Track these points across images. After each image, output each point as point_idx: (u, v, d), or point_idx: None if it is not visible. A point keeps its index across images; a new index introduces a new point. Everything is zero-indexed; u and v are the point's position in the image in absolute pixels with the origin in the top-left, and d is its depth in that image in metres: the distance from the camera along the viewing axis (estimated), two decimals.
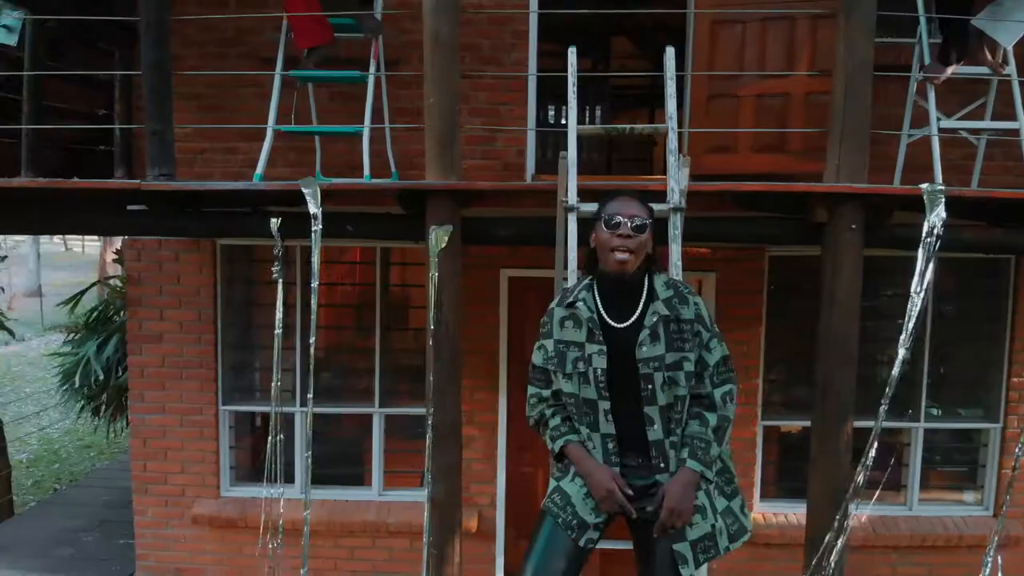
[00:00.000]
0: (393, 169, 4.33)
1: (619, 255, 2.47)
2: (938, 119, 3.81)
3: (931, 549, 5.11)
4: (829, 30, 4.28)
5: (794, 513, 5.22)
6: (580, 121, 3.56)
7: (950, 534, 5.09)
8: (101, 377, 7.49)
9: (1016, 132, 3.76)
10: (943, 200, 3.09)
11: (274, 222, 3.45)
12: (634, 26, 7.75)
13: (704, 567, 2.61)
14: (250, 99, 5.04)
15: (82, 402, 7.90)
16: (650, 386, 2.49)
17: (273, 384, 3.54)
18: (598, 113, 8.51)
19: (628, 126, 3.15)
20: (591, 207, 2.97)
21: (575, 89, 3.16)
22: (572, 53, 3.23)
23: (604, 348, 2.52)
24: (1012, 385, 5.12)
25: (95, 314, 8.05)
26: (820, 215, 3.27)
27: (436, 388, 3.34)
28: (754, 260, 5.16)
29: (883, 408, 3.13)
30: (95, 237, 19.90)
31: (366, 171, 3.72)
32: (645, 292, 2.56)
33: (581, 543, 2.52)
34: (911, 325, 3.06)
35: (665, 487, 2.49)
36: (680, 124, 4.81)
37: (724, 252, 5.11)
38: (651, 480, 2.55)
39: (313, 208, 3.23)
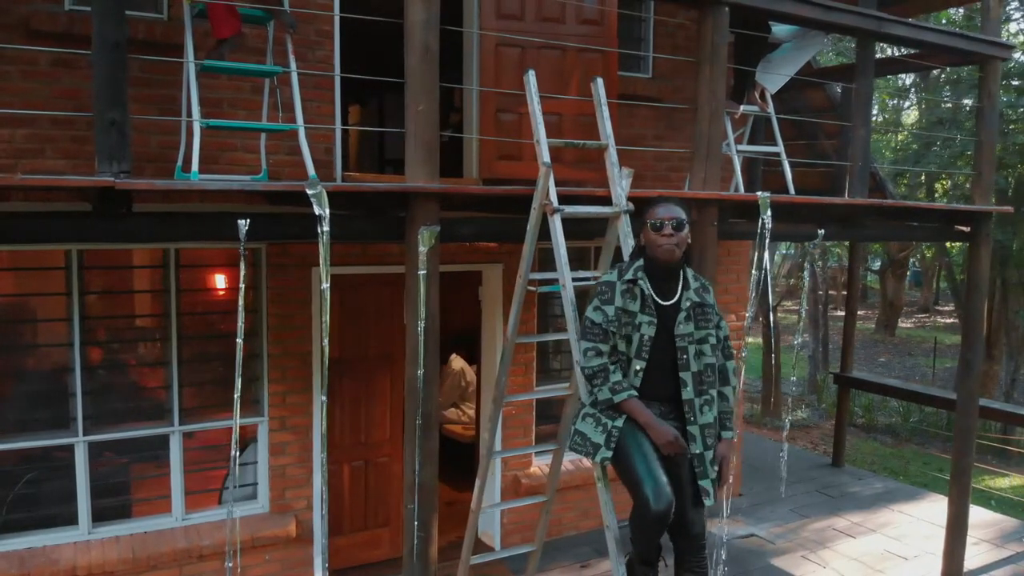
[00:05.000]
0: (264, 167, 4.17)
1: (666, 247, 3.17)
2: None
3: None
4: (589, 62, 5.37)
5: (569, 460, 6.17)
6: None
7: None
8: None
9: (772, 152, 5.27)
10: (769, 204, 4.31)
11: (242, 223, 3.25)
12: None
13: None
14: (15, 78, 4.31)
15: None
16: (684, 356, 3.23)
17: (235, 395, 3.29)
18: None
19: (581, 142, 3.75)
20: (570, 209, 3.55)
21: (539, 107, 3.65)
22: (531, 75, 3.69)
23: (655, 320, 3.18)
24: None
25: None
26: (692, 215, 4.24)
27: (425, 380, 3.52)
28: None
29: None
30: None
31: (310, 171, 3.60)
32: (681, 280, 3.27)
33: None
34: (756, 297, 4.24)
35: (722, 454, 3.31)
36: (470, 132, 5.47)
37: (508, 246, 5.82)
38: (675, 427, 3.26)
39: (319, 210, 3.17)
